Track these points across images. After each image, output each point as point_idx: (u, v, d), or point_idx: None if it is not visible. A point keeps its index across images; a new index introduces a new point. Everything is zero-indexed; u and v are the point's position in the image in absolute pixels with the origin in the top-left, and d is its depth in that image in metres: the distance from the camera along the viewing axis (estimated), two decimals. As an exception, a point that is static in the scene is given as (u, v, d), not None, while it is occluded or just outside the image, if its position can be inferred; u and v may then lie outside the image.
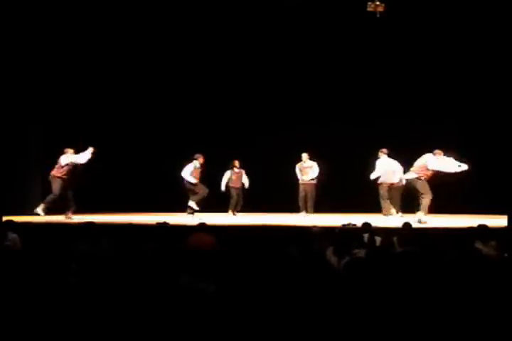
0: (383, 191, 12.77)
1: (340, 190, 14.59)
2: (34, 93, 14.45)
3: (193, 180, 13.20)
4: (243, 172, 14.50)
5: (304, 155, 13.88)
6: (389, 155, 12.96)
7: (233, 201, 14.38)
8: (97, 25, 14.41)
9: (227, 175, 14.40)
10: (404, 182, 12.91)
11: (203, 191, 13.26)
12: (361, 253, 5.70)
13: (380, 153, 12.91)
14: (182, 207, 13.79)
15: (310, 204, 13.84)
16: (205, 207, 13.51)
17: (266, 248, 5.47)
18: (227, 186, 14.41)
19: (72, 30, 14.32)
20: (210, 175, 13.78)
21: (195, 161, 13.32)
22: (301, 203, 13.90)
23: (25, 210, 13.31)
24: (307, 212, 13.85)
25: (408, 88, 14.85)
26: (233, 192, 14.40)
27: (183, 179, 13.39)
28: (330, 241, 6.59)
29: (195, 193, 13.27)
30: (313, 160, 13.91)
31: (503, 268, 4.66)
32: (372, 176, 12.78)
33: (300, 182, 13.91)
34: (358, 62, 14.95)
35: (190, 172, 13.21)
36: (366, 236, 7.61)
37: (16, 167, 14.00)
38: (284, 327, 3.53)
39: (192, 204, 13.11)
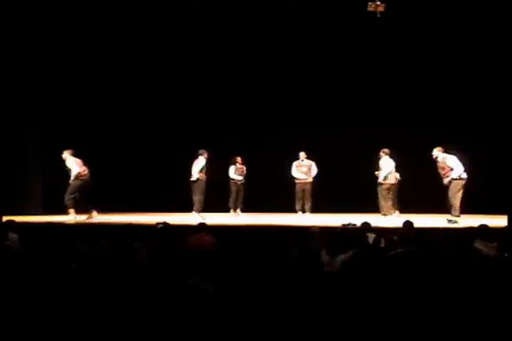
0: (383, 191, 12.76)
1: (340, 190, 14.59)
2: (34, 93, 14.45)
3: (195, 178, 13.14)
4: (244, 168, 14.48)
5: (302, 154, 13.89)
6: (389, 156, 12.95)
7: (232, 197, 14.36)
8: (97, 26, 14.41)
9: (233, 169, 14.38)
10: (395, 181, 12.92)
11: (200, 196, 13.25)
12: (347, 255, 5.72)
13: (381, 153, 12.90)
14: (183, 207, 13.80)
15: (308, 203, 13.82)
16: (205, 206, 13.54)
17: (266, 248, 5.46)
18: (228, 181, 14.39)
19: (72, 30, 14.32)
20: (211, 174, 13.78)
21: (200, 157, 13.26)
22: (298, 204, 13.87)
23: (25, 210, 13.31)
24: (304, 212, 13.83)
25: (409, 88, 14.84)
26: (233, 188, 14.38)
27: (190, 175, 13.42)
28: (325, 241, 6.58)
29: (195, 192, 13.25)
30: (310, 159, 13.91)
31: (503, 268, 4.66)
32: (381, 178, 12.73)
33: (296, 181, 13.90)
34: (358, 62, 14.94)
35: (199, 168, 13.16)
36: (372, 236, 7.61)
37: (16, 167, 13.99)
38: (281, 327, 3.53)
39: (196, 215, 13.06)
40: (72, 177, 12.36)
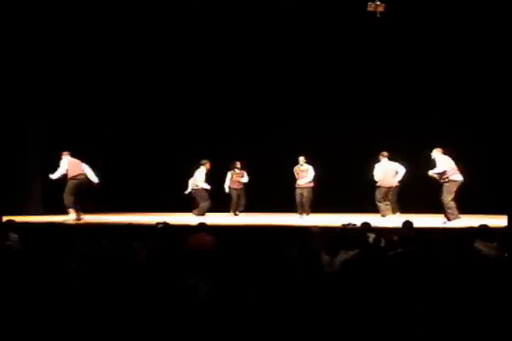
0: (380, 194, 12.70)
1: (340, 190, 14.58)
2: (34, 93, 14.44)
3: (208, 186, 13.37)
4: (244, 173, 14.49)
5: (301, 159, 13.77)
6: (389, 158, 12.93)
7: (233, 202, 14.38)
8: (98, 26, 14.40)
9: (229, 176, 14.41)
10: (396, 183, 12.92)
11: (205, 202, 13.36)
12: (348, 254, 5.72)
13: (380, 156, 12.85)
14: (183, 207, 13.82)
15: (307, 206, 13.79)
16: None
17: (266, 248, 5.46)
18: (228, 187, 14.44)
19: (73, 30, 14.31)
20: (212, 176, 13.83)
21: (202, 167, 13.37)
22: (298, 207, 13.87)
23: (25, 210, 13.30)
24: (303, 214, 13.81)
25: (408, 88, 14.82)
26: (233, 193, 14.40)
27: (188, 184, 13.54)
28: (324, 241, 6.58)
29: (200, 200, 13.37)
30: (310, 164, 13.85)
31: (503, 268, 4.66)
32: (376, 178, 12.76)
33: (296, 186, 13.85)
34: (357, 62, 14.92)
35: (204, 179, 13.36)
36: (372, 236, 7.62)
37: (16, 167, 13.99)
38: (282, 326, 3.53)
39: (197, 217, 13.15)
40: (57, 175, 12.44)
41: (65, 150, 12.62)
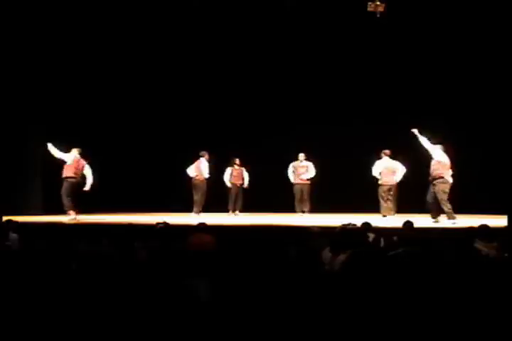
0: (383, 192, 12.79)
1: (340, 191, 14.59)
2: (35, 93, 14.43)
3: (208, 176, 13.75)
4: (243, 170, 14.51)
5: (301, 155, 13.93)
6: (391, 157, 12.97)
7: (231, 200, 14.38)
8: (98, 25, 14.41)
9: (228, 171, 14.43)
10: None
11: (201, 197, 13.55)
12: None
13: (382, 154, 12.95)
14: (183, 207, 13.83)
15: (307, 204, 13.85)
16: (205, 206, 13.62)
17: (266, 248, 5.46)
18: (229, 181, 14.47)
19: (73, 30, 14.31)
20: (212, 174, 13.88)
21: (202, 158, 13.54)
22: (297, 205, 13.89)
23: (25, 210, 13.30)
24: (304, 212, 13.85)
25: (408, 88, 14.83)
26: (232, 190, 14.41)
27: (191, 178, 13.71)
28: (327, 240, 6.57)
29: (197, 192, 13.43)
30: (310, 161, 13.94)
31: (503, 268, 4.66)
32: (374, 174, 12.88)
33: (294, 182, 13.92)
34: (357, 62, 14.94)
35: (207, 170, 13.68)
36: (372, 236, 7.62)
37: (16, 167, 13.98)
38: (281, 326, 3.53)
39: (195, 215, 13.22)
40: (53, 149, 12.60)
41: (77, 147, 12.66)
